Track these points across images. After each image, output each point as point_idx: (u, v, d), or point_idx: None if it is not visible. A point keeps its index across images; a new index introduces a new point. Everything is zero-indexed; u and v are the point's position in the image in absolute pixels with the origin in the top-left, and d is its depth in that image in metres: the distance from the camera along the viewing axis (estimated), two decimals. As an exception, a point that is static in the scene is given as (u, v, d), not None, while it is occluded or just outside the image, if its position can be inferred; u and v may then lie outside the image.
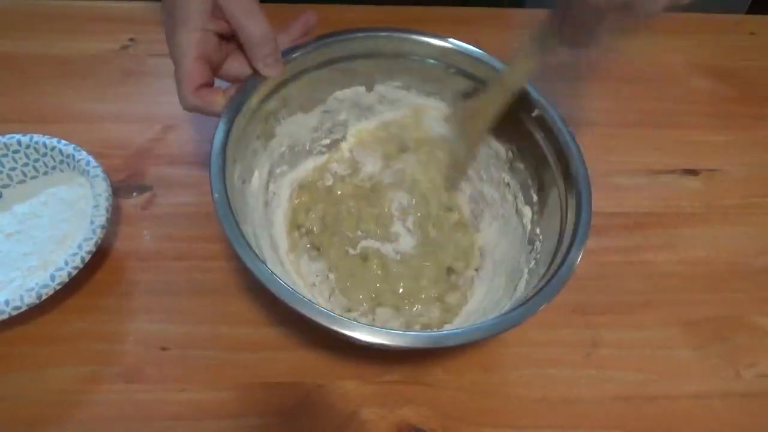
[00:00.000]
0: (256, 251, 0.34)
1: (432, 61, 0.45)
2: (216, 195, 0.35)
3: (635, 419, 0.40)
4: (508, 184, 0.46)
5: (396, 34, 0.44)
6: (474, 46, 0.44)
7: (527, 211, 0.43)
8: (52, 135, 0.45)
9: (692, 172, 0.54)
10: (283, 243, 0.45)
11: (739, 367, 0.43)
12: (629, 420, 0.40)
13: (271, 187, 0.46)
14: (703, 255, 0.49)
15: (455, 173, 0.49)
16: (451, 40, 0.44)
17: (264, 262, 0.33)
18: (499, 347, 0.43)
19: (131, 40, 0.60)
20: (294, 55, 0.41)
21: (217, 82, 0.40)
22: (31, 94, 0.55)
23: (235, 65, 0.41)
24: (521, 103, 0.42)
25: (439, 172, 0.49)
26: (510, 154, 0.45)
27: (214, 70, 0.40)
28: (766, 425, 0.40)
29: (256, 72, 0.40)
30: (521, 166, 0.44)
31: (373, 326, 0.32)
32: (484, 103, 0.43)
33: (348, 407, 0.39)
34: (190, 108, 0.39)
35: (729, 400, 0.41)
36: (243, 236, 0.34)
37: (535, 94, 0.42)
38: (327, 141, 0.49)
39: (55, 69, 0.57)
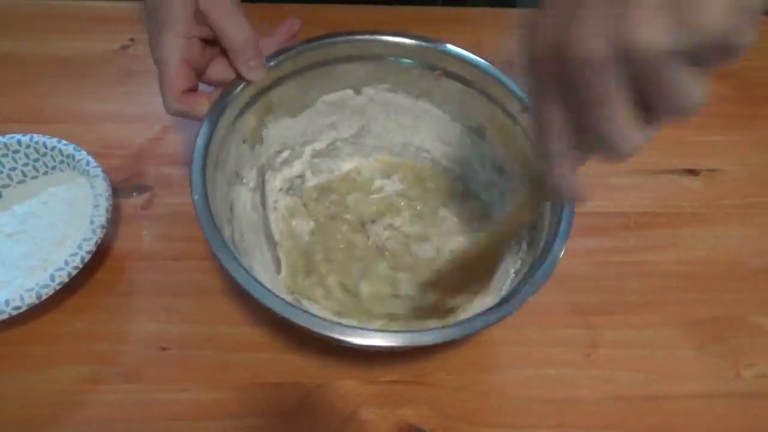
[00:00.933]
0: (239, 253, 0.34)
1: (416, 62, 0.45)
2: (196, 197, 0.35)
3: (635, 419, 0.40)
4: (497, 186, 0.46)
5: (380, 37, 0.44)
6: (457, 46, 0.44)
7: None
8: (52, 135, 0.45)
9: (692, 172, 0.54)
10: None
11: (739, 367, 0.43)
12: (629, 420, 0.40)
13: (262, 189, 0.46)
14: (703, 255, 0.49)
15: None
16: (433, 40, 0.44)
17: (238, 260, 0.33)
18: (499, 347, 0.43)
19: (131, 40, 0.60)
20: (279, 59, 0.41)
21: (202, 87, 0.40)
22: (31, 94, 0.55)
23: (219, 70, 0.41)
24: (507, 102, 0.42)
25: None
26: (499, 155, 0.45)
27: (198, 74, 0.40)
28: (766, 425, 0.40)
29: (240, 76, 0.40)
30: (510, 167, 0.44)
31: (348, 326, 0.32)
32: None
33: (348, 407, 0.39)
34: (173, 112, 0.39)
35: (729, 400, 0.41)
36: (221, 237, 0.34)
37: (520, 92, 0.41)
38: (317, 145, 0.49)
39: (55, 69, 0.57)
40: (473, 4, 0.66)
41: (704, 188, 0.53)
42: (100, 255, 0.44)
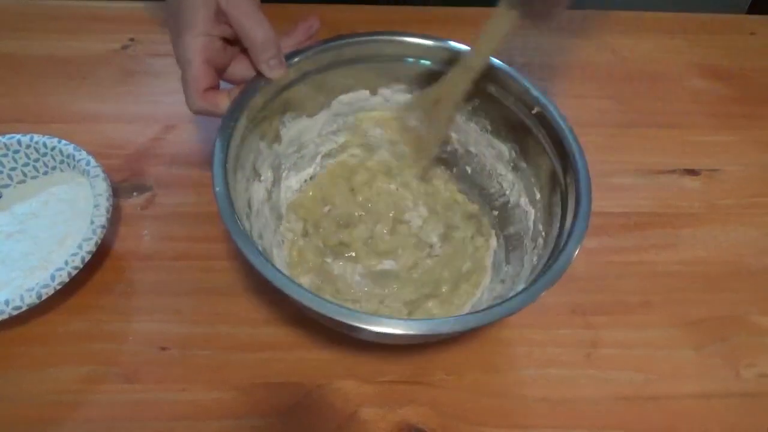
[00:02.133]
0: (259, 247, 0.34)
1: (429, 62, 0.45)
2: (218, 188, 0.35)
3: (635, 419, 0.40)
4: (513, 184, 0.46)
5: (396, 38, 0.44)
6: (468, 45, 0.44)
7: (530, 209, 0.44)
8: (52, 135, 0.45)
9: (692, 172, 0.54)
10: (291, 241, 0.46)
11: (739, 367, 0.43)
12: (629, 420, 0.40)
13: (278, 188, 0.46)
14: (703, 255, 0.49)
15: (424, 160, 0.49)
16: (446, 40, 0.44)
17: (262, 254, 0.33)
18: (499, 347, 0.43)
19: (131, 40, 0.60)
20: (296, 59, 0.41)
21: (223, 85, 0.41)
22: (31, 94, 0.55)
23: (240, 68, 0.41)
24: (521, 101, 0.42)
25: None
26: (513, 153, 0.45)
27: (219, 73, 0.40)
28: (766, 425, 0.40)
29: (260, 74, 0.40)
30: (524, 164, 0.44)
31: (374, 316, 0.32)
32: (449, 85, 0.43)
33: (348, 407, 0.39)
34: (196, 111, 0.39)
35: (729, 400, 0.41)
36: (245, 230, 0.34)
37: (534, 91, 0.41)
38: (333, 145, 0.49)
39: (55, 69, 0.57)
40: (473, 4, 0.66)
41: (704, 188, 0.53)
42: (100, 255, 0.44)
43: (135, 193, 0.49)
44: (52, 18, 0.61)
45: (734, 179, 0.54)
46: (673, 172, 0.54)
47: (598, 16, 0.67)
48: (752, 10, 1.16)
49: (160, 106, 0.55)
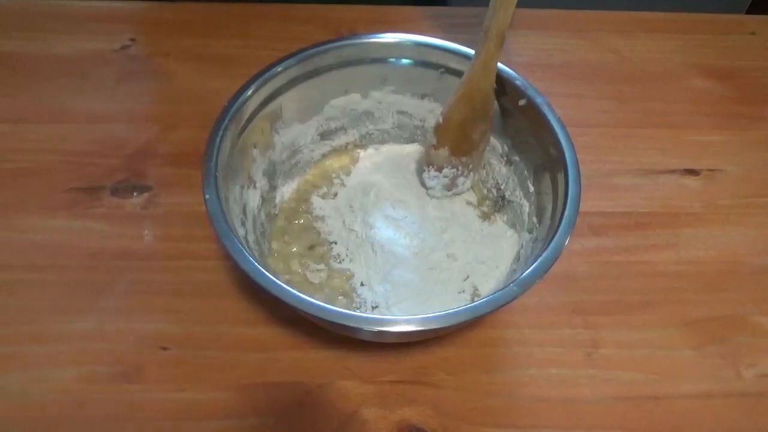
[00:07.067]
0: (252, 255, 0.34)
1: (417, 62, 0.45)
2: (207, 195, 0.35)
3: (635, 419, 0.40)
4: (507, 178, 0.46)
5: (381, 39, 0.44)
6: (456, 43, 0.44)
7: (525, 203, 0.44)
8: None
9: (692, 172, 0.54)
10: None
11: (739, 367, 0.43)
12: (629, 420, 0.40)
13: (274, 194, 0.46)
14: (703, 255, 0.49)
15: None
16: (434, 38, 0.44)
17: (255, 260, 0.33)
18: (499, 347, 0.43)
19: (131, 40, 0.60)
20: (285, 65, 0.42)
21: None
22: (31, 93, 0.55)
23: None
24: (508, 93, 0.43)
25: None
26: (505, 147, 0.45)
27: None
28: (766, 425, 0.40)
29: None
30: (517, 158, 0.45)
31: (368, 315, 0.32)
32: (476, 80, 0.41)
33: (348, 407, 0.39)
34: None
35: (729, 400, 0.41)
36: (236, 236, 0.34)
37: (520, 82, 0.42)
38: (327, 149, 0.49)
39: (55, 69, 0.57)
40: (473, 4, 0.66)
41: (704, 188, 0.53)
42: (100, 255, 0.44)
43: (135, 193, 0.49)
44: (52, 18, 0.61)
45: (734, 179, 0.54)
46: (673, 172, 0.54)
47: (598, 16, 0.67)
48: (752, 10, 1.16)
49: (160, 106, 0.55)
